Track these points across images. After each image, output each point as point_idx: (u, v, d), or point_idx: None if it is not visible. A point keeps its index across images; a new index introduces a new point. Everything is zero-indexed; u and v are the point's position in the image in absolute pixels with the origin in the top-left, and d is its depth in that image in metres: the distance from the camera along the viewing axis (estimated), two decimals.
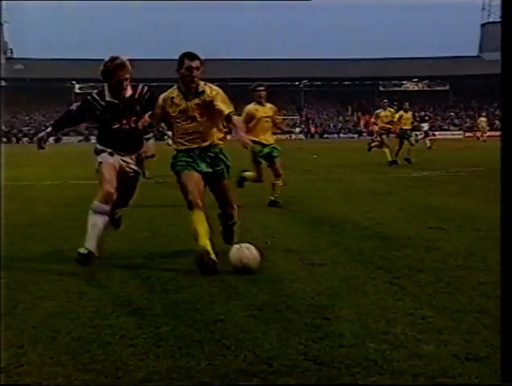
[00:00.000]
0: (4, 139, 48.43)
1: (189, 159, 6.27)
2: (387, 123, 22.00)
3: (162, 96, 6.31)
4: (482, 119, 30.55)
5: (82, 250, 6.04)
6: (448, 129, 73.72)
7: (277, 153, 11.16)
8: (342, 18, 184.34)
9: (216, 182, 6.49)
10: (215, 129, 6.38)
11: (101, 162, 6.33)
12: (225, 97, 6.40)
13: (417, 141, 26.10)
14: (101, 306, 4.98)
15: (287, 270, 6.08)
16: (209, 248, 6.02)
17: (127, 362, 3.74)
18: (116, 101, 6.26)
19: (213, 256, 5.93)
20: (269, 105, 11.19)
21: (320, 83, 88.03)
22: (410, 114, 23.23)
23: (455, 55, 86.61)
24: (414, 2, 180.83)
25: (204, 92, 6.13)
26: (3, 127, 51.61)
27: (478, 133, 28.96)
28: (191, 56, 6.05)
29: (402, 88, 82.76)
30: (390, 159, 21.61)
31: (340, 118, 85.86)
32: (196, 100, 6.11)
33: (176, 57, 6.26)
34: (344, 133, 77.03)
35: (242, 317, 4.60)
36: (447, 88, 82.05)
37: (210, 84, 6.33)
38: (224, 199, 6.66)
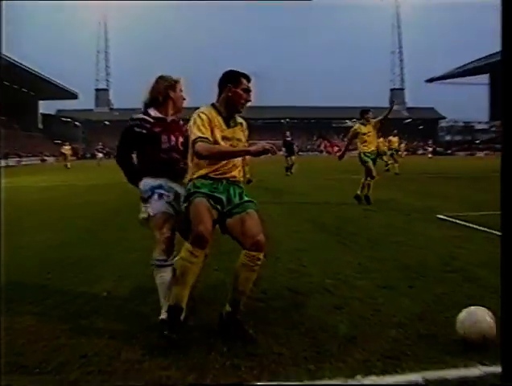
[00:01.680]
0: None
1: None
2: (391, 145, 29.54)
3: (204, 114, 4.39)
4: (393, 139, 33.22)
5: None
6: None
7: None
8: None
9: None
10: None
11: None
12: None
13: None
14: None
15: (275, 235, 8.16)
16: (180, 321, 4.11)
17: None
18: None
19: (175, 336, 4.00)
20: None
21: (296, 121, 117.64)
22: (396, 138, 30.59)
23: (377, 106, 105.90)
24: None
25: (242, 123, 4.62)
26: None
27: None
28: (248, 77, 4.52)
29: (344, 125, 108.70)
30: (397, 171, 26.60)
31: (309, 142, 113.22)
32: (236, 129, 4.52)
33: None
34: (312, 151, 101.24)
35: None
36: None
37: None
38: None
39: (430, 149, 73.21)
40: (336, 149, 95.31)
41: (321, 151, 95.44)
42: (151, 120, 4.73)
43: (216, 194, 4.25)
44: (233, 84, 4.42)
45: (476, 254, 6.95)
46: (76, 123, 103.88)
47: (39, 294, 5.24)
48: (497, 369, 3.45)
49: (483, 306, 3.99)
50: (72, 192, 18.66)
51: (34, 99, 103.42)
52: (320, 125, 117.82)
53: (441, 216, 10.49)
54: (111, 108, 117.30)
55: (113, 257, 7.03)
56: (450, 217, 10.30)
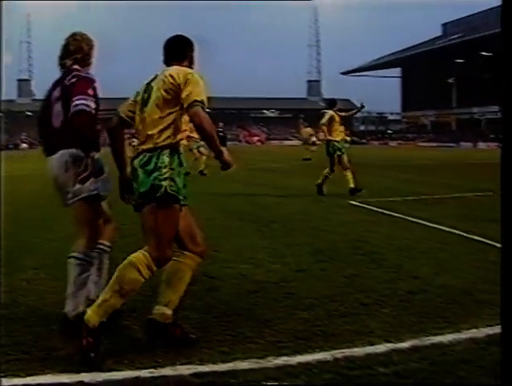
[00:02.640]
0: None
1: None
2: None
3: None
4: (306, 130, 33.74)
5: None
6: (291, 140, 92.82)
7: None
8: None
9: None
10: None
11: None
12: None
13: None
14: None
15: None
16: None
17: None
18: None
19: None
20: None
21: (215, 111, 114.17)
22: (309, 129, 32.64)
23: (295, 97, 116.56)
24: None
25: None
26: None
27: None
28: None
29: (264, 115, 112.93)
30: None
31: (229, 132, 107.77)
32: None
33: None
34: (231, 141, 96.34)
35: None
36: (290, 115, 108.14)
37: None
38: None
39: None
40: (255, 138, 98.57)
41: (240, 141, 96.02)
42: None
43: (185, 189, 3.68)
44: (192, 54, 3.98)
45: (383, 237, 7.22)
46: None
47: None
48: (402, 345, 3.58)
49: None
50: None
51: None
52: (240, 116, 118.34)
53: (353, 202, 10.78)
54: (33, 99, 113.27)
55: (35, 247, 6.84)
56: (361, 203, 10.61)
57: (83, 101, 3.82)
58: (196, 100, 3.50)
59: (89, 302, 3.87)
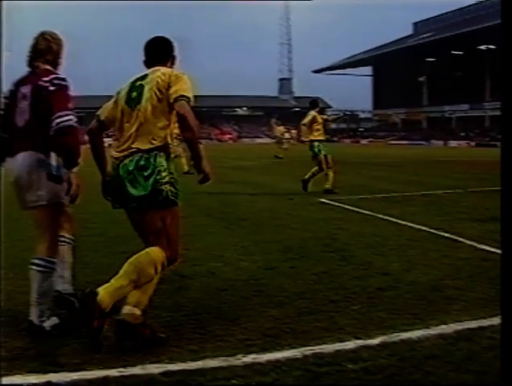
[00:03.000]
0: None
1: None
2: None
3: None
4: (279, 128, 34.23)
5: None
6: (262, 137, 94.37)
7: None
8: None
9: None
10: None
11: None
12: None
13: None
14: None
15: None
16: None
17: None
18: None
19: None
20: None
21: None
22: (281, 128, 33.87)
23: (266, 95, 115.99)
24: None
25: None
26: None
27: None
28: None
29: (235, 113, 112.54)
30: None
31: (201, 130, 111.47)
32: None
33: None
34: (203, 139, 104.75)
35: None
36: (262, 113, 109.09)
37: None
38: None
39: None
40: (227, 136, 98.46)
41: (211, 139, 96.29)
42: None
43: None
44: (174, 54, 4.05)
45: (353, 234, 7.27)
46: None
47: None
48: (371, 341, 3.60)
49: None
50: None
51: None
52: (211, 114, 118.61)
53: (323, 200, 10.83)
54: None
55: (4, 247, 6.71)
56: (331, 201, 10.66)
57: (71, 117, 3.77)
58: (182, 95, 3.56)
59: (54, 296, 3.94)
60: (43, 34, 4.11)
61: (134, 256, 3.60)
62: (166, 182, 3.58)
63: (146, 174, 3.55)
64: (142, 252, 3.62)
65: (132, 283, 3.53)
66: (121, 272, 3.55)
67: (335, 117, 14.47)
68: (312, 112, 12.85)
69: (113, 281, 3.52)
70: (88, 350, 3.53)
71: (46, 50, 4.06)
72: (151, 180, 3.55)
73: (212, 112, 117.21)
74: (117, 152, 3.69)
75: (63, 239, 4.14)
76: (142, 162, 3.56)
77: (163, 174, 3.57)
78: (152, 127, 3.61)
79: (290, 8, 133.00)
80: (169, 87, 3.61)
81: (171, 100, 3.57)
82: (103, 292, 3.44)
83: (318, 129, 12.73)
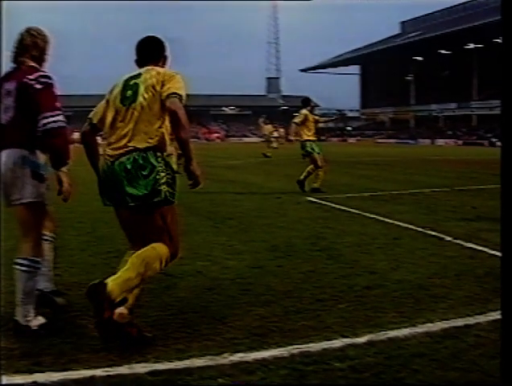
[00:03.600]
0: None
1: None
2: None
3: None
4: (267, 126, 34.17)
5: None
6: (249, 136, 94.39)
7: None
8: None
9: None
10: None
11: None
12: None
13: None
14: None
15: None
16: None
17: None
18: None
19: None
20: None
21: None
22: (269, 126, 34.19)
23: (254, 94, 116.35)
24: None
25: None
26: None
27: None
28: None
29: (223, 112, 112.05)
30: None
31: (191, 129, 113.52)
32: None
33: None
34: (191, 138, 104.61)
35: None
36: (249, 112, 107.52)
37: None
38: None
39: None
40: (215, 135, 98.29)
41: (199, 138, 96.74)
42: None
43: None
44: (166, 54, 4.07)
45: (340, 233, 7.30)
46: None
47: None
48: (358, 340, 3.62)
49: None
50: None
51: None
52: (199, 112, 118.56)
53: (310, 199, 10.85)
54: None
55: None
56: (319, 200, 10.68)
57: (59, 117, 3.75)
58: (175, 92, 3.58)
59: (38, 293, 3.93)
60: (28, 30, 4.08)
61: (141, 250, 3.60)
62: (163, 183, 3.60)
63: (144, 173, 3.56)
64: (148, 247, 3.63)
65: (139, 276, 3.53)
66: (129, 265, 3.55)
67: (327, 118, 14.41)
68: (304, 111, 12.83)
69: (120, 273, 3.51)
70: (75, 349, 3.52)
71: (31, 45, 4.01)
72: (151, 180, 3.57)
73: (200, 112, 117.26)
74: (110, 149, 3.67)
75: (45, 237, 4.12)
76: (140, 161, 3.57)
77: (162, 174, 3.59)
78: (148, 126, 3.62)
79: (278, 7, 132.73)
80: (163, 85, 3.63)
81: (163, 97, 3.58)
82: (112, 283, 3.42)
83: (310, 129, 12.72)
